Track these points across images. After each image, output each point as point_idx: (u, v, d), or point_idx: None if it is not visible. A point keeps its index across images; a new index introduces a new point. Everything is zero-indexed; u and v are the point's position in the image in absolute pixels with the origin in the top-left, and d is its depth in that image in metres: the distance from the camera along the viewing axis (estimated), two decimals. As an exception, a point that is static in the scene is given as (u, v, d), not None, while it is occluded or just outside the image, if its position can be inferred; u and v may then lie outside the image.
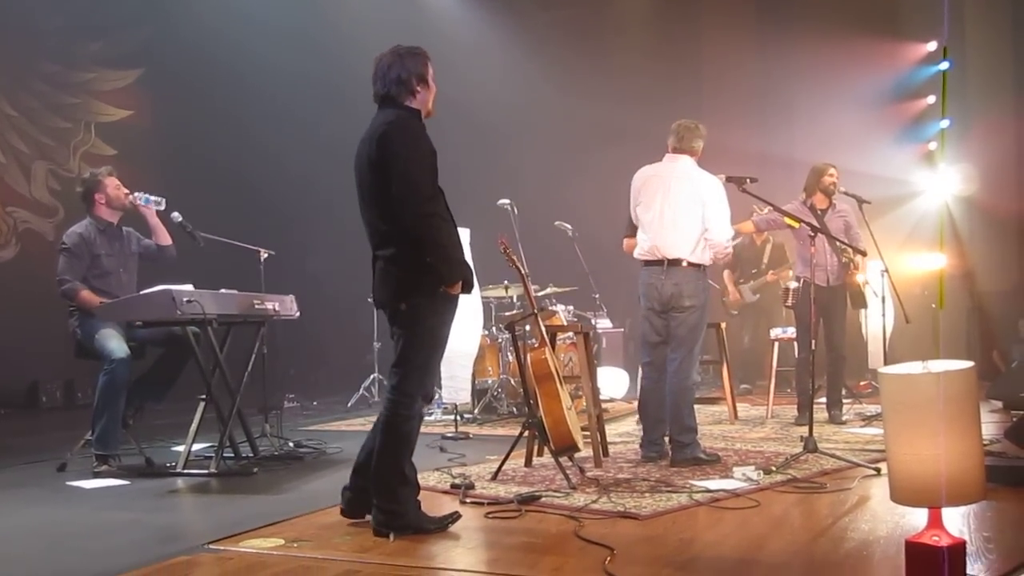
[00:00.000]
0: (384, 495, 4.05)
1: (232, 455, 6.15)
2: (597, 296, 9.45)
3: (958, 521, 3.98)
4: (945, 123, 11.71)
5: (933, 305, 10.75)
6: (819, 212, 7.44)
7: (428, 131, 4.16)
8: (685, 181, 5.69)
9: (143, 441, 6.33)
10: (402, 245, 4.05)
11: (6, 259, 10.13)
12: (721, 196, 5.69)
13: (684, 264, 5.63)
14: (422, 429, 4.19)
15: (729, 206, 5.78)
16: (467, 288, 4.19)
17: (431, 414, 8.33)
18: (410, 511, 4.07)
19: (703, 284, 5.74)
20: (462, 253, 4.23)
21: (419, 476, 4.28)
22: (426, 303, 4.08)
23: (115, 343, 5.85)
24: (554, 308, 8.64)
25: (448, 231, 4.12)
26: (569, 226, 8.74)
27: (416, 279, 4.05)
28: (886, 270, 7.81)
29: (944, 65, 11.62)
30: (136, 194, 6.28)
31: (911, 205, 11.67)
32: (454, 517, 4.19)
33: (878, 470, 5.08)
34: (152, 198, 6.31)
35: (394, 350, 4.18)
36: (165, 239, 6.44)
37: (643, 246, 5.78)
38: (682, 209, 5.64)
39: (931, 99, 12.05)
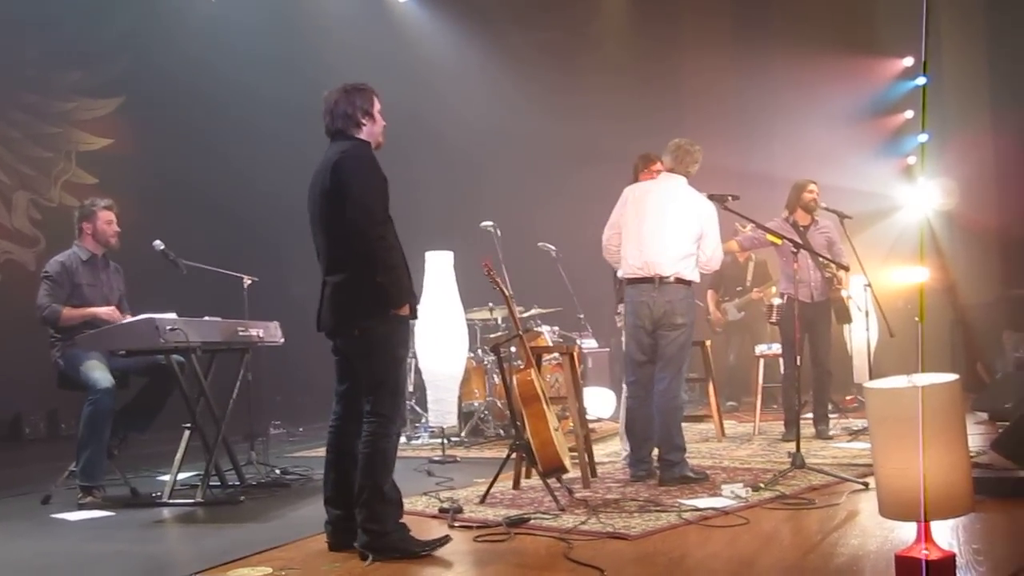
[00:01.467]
0: (366, 516, 4.07)
1: (218, 484, 6.11)
2: (582, 316, 9.45)
3: (947, 534, 3.98)
4: (924, 137, 11.80)
5: (916, 318, 10.79)
6: (801, 229, 7.48)
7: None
8: (682, 202, 5.74)
9: (128, 471, 6.28)
10: (352, 270, 4.17)
11: (-13, 290, 10.06)
12: (716, 222, 5.79)
13: (675, 281, 5.65)
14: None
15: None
16: (413, 313, 4.28)
17: (418, 437, 8.31)
18: (392, 531, 4.08)
19: (692, 302, 5.77)
20: (410, 280, 4.34)
21: (407, 501, 4.29)
22: (378, 326, 4.17)
23: (99, 373, 5.81)
24: (539, 329, 8.63)
25: (398, 256, 4.23)
26: (552, 247, 8.75)
27: (366, 304, 4.15)
28: (869, 284, 7.84)
29: (922, 80, 11.72)
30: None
31: (892, 219, 11.75)
32: (444, 541, 4.18)
33: (866, 484, 5.09)
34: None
35: (361, 377, 4.26)
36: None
37: (633, 262, 5.75)
38: (678, 227, 5.68)
39: (909, 114, 12.16)
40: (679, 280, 5.65)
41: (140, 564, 4.32)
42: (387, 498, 4.12)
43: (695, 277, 5.75)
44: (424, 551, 4.07)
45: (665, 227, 5.69)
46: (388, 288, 4.11)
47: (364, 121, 4.33)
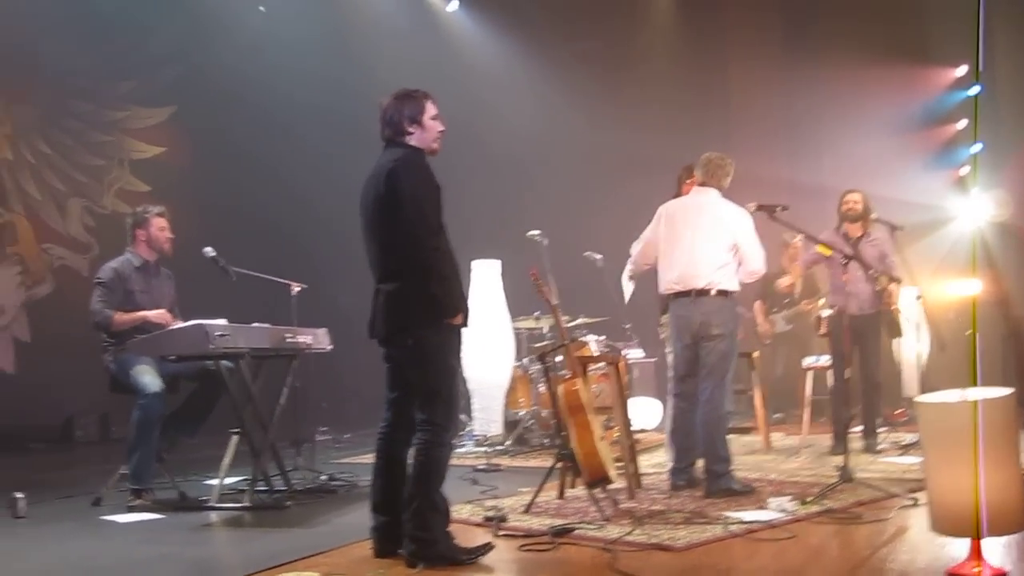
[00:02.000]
0: (415, 524, 4.07)
1: (265, 488, 6.17)
2: (628, 326, 9.41)
3: (999, 552, 3.90)
4: (977, 148, 11.62)
5: (968, 332, 10.62)
6: (853, 240, 7.40)
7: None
8: (712, 212, 5.77)
9: (177, 475, 6.34)
10: (405, 279, 4.16)
11: (42, 295, 10.25)
12: (751, 227, 5.78)
13: (712, 293, 5.66)
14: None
15: (761, 234, 5.84)
16: (465, 321, 4.26)
17: (463, 446, 8.32)
18: (440, 540, 4.09)
19: (731, 312, 5.75)
20: (462, 287, 4.33)
21: (452, 509, 4.28)
22: (432, 335, 4.17)
23: (149, 378, 5.88)
24: (585, 339, 8.61)
25: (451, 264, 4.24)
26: (599, 256, 8.72)
27: (419, 313, 4.14)
28: (920, 296, 7.72)
29: (975, 89, 11.55)
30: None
31: (944, 231, 11.56)
32: (487, 548, 4.19)
33: (916, 500, 5.01)
34: None
35: (414, 387, 4.25)
36: None
37: (668, 278, 5.82)
38: (710, 239, 5.70)
39: (962, 124, 11.97)
40: (715, 291, 5.66)
41: (187, 567, 4.36)
42: (437, 507, 4.13)
43: (733, 286, 5.75)
44: (470, 559, 4.08)
45: (696, 240, 5.72)
46: (442, 297, 4.12)
47: (411, 129, 4.32)
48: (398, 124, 4.31)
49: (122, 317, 6.02)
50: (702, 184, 5.92)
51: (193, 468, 7.06)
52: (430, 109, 4.37)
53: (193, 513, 5.66)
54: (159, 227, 6.31)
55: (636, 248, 6.12)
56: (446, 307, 4.15)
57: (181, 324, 5.94)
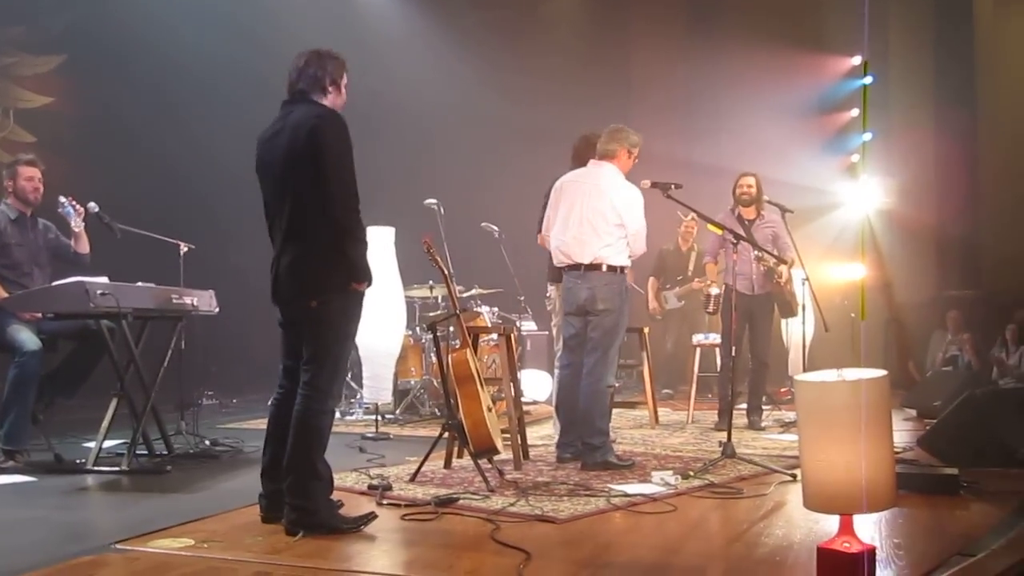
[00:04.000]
0: (295, 492, 4.01)
1: (145, 452, 6.03)
2: (522, 298, 9.44)
3: (870, 528, 4.02)
4: (867, 136, 11.94)
5: (853, 315, 10.93)
6: (747, 222, 7.51)
7: (355, 129, 4.15)
8: (604, 188, 5.73)
9: (53, 437, 6.16)
10: (317, 241, 4.08)
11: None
12: (636, 207, 5.72)
13: (601, 268, 5.66)
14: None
15: (656, 211, 5.87)
16: (369, 284, 4.22)
17: (352, 414, 8.26)
18: (322, 509, 4.04)
19: (619, 288, 5.74)
20: None
21: (337, 476, 4.24)
22: (337, 300, 4.12)
23: (25, 335, 5.70)
24: (478, 309, 8.61)
25: (364, 232, 4.18)
26: (496, 228, 8.72)
27: (328, 276, 4.09)
28: (807, 279, 7.88)
29: (867, 80, 11.85)
30: (61, 199, 6.11)
31: (833, 216, 11.87)
32: (370, 517, 4.15)
33: (794, 476, 5.14)
34: (72, 210, 6.12)
35: (304, 348, 4.16)
36: (83, 248, 6.28)
37: (561, 250, 5.80)
38: (599, 214, 5.67)
39: (855, 112, 12.28)
40: (603, 266, 5.66)
41: (59, 531, 4.23)
42: (319, 475, 4.07)
43: (623, 262, 5.73)
44: (352, 528, 4.04)
45: (586, 215, 5.70)
46: (357, 261, 4.08)
47: (330, 89, 4.25)
48: (320, 80, 4.22)
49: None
50: (601, 156, 5.88)
51: (71, 430, 6.86)
52: (345, 76, 4.33)
53: (68, 476, 5.49)
54: (26, 177, 6.10)
55: (545, 223, 6.05)
56: (360, 271, 4.11)
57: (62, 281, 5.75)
